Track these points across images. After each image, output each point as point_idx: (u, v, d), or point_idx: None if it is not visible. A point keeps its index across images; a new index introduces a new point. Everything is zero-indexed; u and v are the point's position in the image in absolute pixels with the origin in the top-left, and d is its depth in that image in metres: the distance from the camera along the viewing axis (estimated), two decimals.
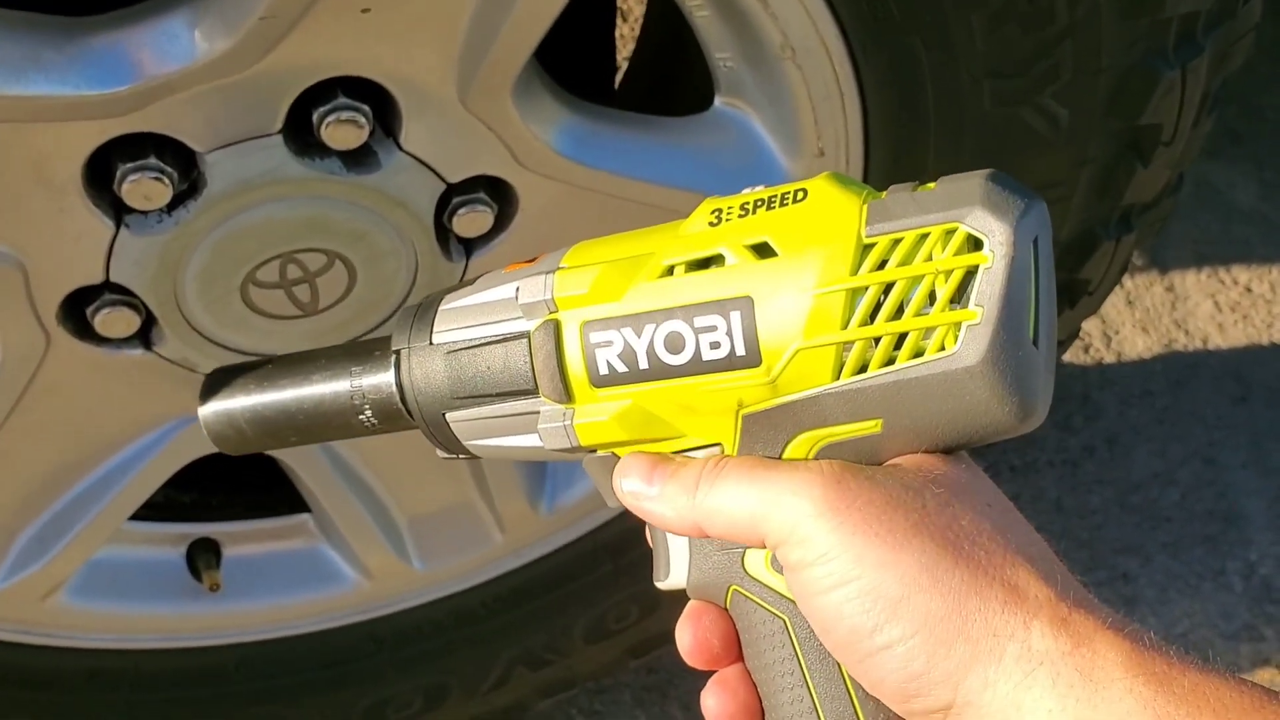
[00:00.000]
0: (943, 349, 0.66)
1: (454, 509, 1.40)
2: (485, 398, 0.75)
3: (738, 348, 0.69)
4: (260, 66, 1.00)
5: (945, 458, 0.69)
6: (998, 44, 1.11)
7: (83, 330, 1.13)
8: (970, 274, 0.66)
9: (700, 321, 0.69)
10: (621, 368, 0.71)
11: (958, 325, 0.66)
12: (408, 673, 1.49)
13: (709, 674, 0.75)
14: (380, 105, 1.05)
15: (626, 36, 2.03)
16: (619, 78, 1.59)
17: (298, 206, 1.09)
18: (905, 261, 0.66)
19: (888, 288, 0.67)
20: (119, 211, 1.06)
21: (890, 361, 0.67)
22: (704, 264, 0.70)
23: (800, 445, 0.70)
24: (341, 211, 1.10)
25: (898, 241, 0.67)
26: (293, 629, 1.43)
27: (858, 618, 0.65)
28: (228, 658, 1.43)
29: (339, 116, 1.04)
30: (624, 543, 1.44)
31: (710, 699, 0.73)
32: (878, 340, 0.67)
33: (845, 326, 0.67)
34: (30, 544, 1.29)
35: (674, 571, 0.75)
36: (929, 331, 0.66)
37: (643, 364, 0.71)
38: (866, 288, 0.67)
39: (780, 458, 0.70)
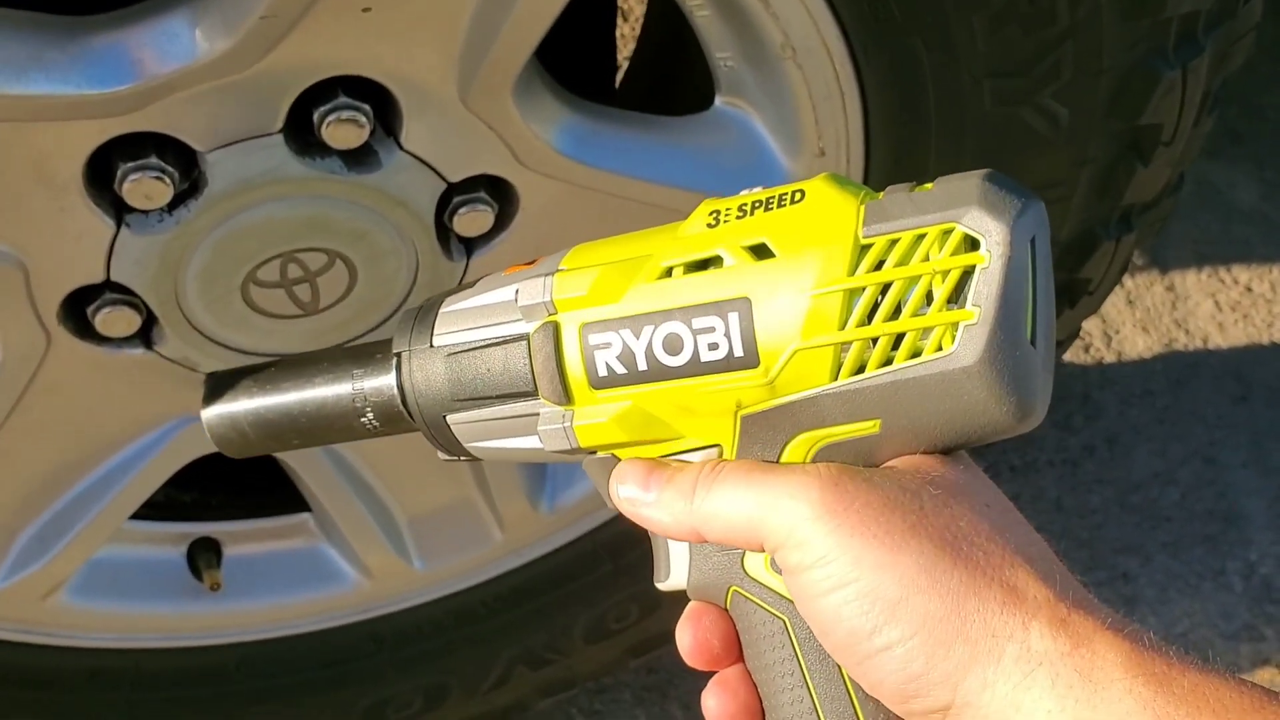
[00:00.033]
0: (940, 349, 0.66)
1: (454, 508, 1.40)
2: (485, 400, 0.75)
3: (736, 349, 0.69)
4: (261, 66, 1.00)
5: (943, 458, 0.69)
6: (999, 44, 1.11)
7: (83, 329, 1.13)
8: (967, 274, 0.66)
9: (698, 323, 0.69)
10: (620, 369, 0.71)
11: (955, 325, 0.66)
12: (408, 672, 1.49)
13: (709, 674, 0.75)
14: (381, 105, 1.06)
15: (627, 36, 2.03)
16: (620, 77, 1.59)
17: (298, 206, 1.09)
18: (902, 262, 0.66)
19: (885, 288, 0.66)
20: (120, 211, 1.06)
21: (888, 362, 0.67)
22: (702, 265, 0.70)
23: (799, 446, 0.70)
24: (342, 211, 1.10)
25: (895, 242, 0.67)
26: (293, 628, 1.43)
27: (857, 619, 0.65)
28: (228, 657, 1.43)
29: (340, 116, 1.04)
30: (624, 542, 1.44)
31: (711, 699, 0.73)
32: (875, 341, 0.67)
33: (843, 327, 0.67)
34: (31, 543, 1.29)
35: (674, 572, 0.75)
36: (926, 332, 0.66)
37: (641, 365, 0.71)
38: (864, 288, 0.67)
39: (779, 459, 0.70)
